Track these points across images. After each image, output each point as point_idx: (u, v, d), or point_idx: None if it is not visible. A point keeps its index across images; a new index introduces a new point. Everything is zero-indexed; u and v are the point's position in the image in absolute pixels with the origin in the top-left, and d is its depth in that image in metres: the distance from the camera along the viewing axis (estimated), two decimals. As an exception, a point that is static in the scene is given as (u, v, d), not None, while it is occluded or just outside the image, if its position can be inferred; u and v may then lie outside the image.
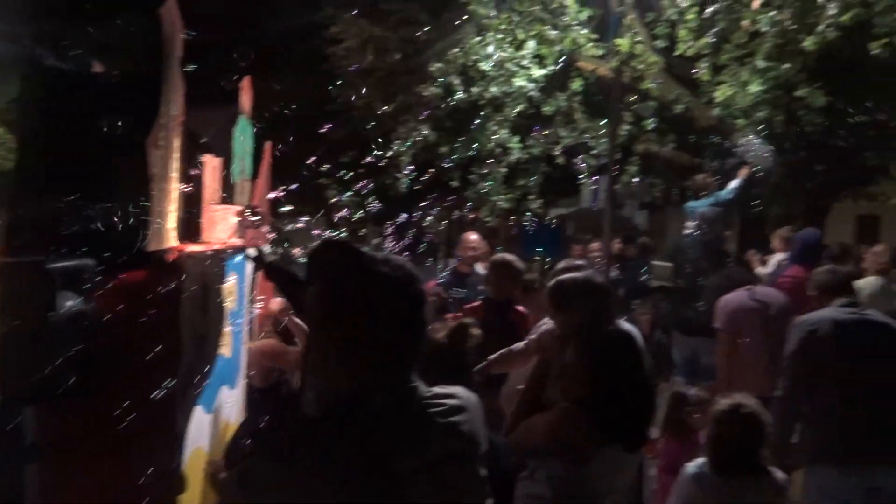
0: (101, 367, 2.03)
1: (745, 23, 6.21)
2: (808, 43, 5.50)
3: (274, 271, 1.98)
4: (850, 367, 3.45)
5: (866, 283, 5.93)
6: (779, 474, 2.96)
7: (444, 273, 6.60)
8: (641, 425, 2.48)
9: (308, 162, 5.48)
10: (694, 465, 2.95)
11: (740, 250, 10.89)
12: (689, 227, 6.84)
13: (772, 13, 6.01)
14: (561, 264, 4.63)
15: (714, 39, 5.51)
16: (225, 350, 2.81)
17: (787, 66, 6.80)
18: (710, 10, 5.26)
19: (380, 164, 8.67)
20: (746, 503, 2.79)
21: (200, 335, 2.43)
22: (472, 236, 6.41)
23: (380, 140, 8.86)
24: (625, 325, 3.00)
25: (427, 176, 9.36)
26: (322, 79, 9.59)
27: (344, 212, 8.52)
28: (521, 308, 4.75)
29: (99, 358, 2.01)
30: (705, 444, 2.99)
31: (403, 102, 8.47)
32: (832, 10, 4.91)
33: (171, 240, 2.36)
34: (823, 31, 5.06)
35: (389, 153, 8.68)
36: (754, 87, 6.94)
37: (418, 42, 7.84)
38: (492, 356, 3.81)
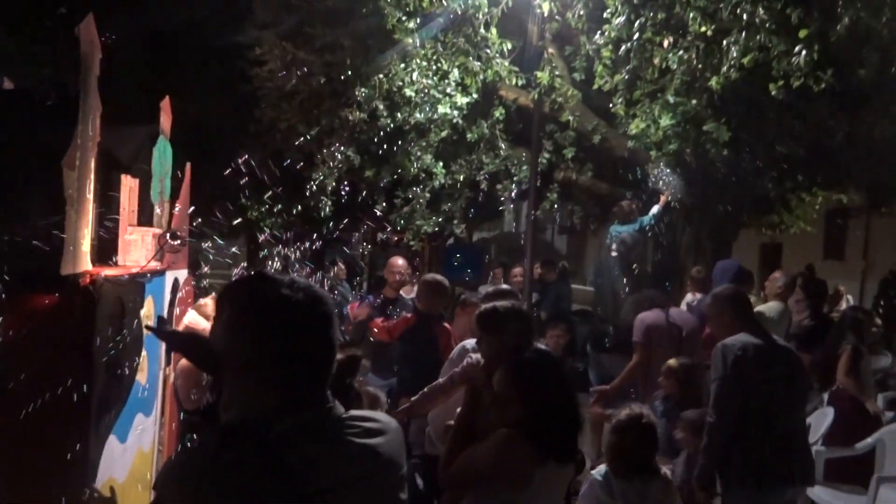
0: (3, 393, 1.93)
1: (657, 60, 6.53)
2: (713, 82, 5.79)
3: (175, 338, 1.93)
4: (767, 390, 3.59)
5: (769, 308, 6.28)
6: (669, 474, 3.29)
7: (369, 297, 6.60)
8: (572, 439, 2.59)
9: (225, 179, 5.38)
10: (597, 471, 3.23)
11: (655, 276, 11.39)
12: (613, 249, 7.05)
13: (680, 52, 6.35)
14: (489, 289, 4.82)
15: (628, 76, 5.76)
16: (140, 377, 2.73)
17: (694, 101, 7.22)
18: (624, 48, 5.52)
19: (305, 187, 8.63)
20: (646, 502, 3.05)
21: (115, 361, 2.36)
22: (399, 261, 6.47)
23: (303, 163, 8.81)
24: (541, 347, 3.16)
25: (351, 199, 9.43)
26: (245, 100, 9.46)
27: (266, 234, 8.41)
28: (446, 324, 5.07)
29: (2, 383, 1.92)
30: (606, 451, 3.24)
31: (327, 126, 8.42)
32: (734, 52, 5.24)
33: (86, 263, 2.30)
34: (727, 71, 5.39)
35: (313, 176, 8.67)
36: (665, 121, 7.32)
37: (343, 67, 7.83)
38: (414, 398, 3.87)
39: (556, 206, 8.84)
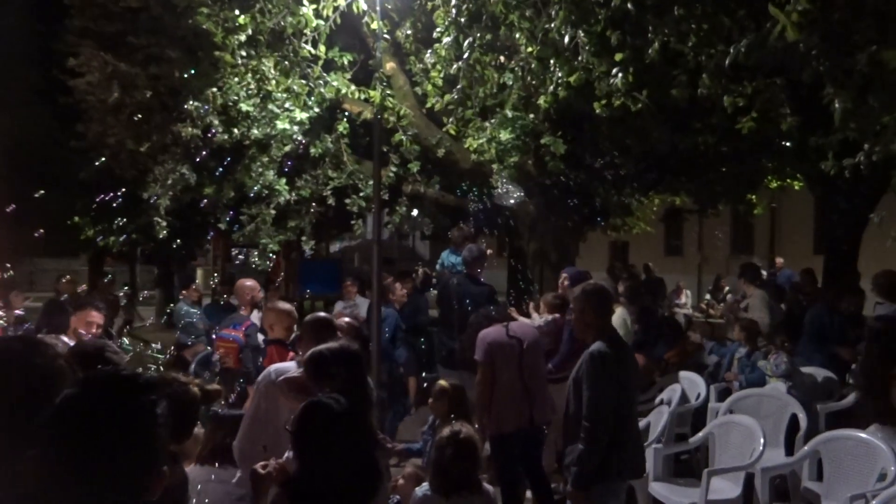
0: None
1: (488, 80, 6.64)
2: (542, 100, 5.99)
3: None
4: (626, 393, 3.82)
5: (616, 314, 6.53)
6: (490, 489, 3.38)
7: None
8: (361, 499, 2.28)
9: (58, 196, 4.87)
10: (420, 489, 3.25)
11: (509, 285, 11.64)
12: (451, 274, 7.01)
13: (516, 68, 6.47)
14: (342, 321, 4.57)
15: (458, 96, 5.79)
16: None
17: (532, 116, 7.39)
18: (455, 66, 5.51)
19: (140, 205, 8.06)
20: None
21: None
22: (248, 282, 6.31)
23: (136, 181, 8.23)
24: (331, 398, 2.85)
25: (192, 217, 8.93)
26: (66, 113, 8.71)
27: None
28: (290, 352, 4.81)
29: None
30: (429, 468, 3.30)
31: (159, 142, 7.88)
32: (559, 74, 5.39)
33: None
34: (554, 90, 5.54)
35: (146, 195, 8.13)
36: (505, 135, 7.44)
37: (171, 79, 7.35)
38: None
39: (404, 218, 8.74)
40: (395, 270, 10.75)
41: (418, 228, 11.27)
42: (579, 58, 5.23)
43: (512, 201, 8.02)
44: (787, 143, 7.92)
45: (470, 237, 7.45)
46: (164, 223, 8.13)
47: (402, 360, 7.80)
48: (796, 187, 13.66)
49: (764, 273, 13.49)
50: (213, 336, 6.54)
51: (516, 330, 5.58)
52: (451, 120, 6.77)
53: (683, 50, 4.86)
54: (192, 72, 7.51)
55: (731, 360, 6.81)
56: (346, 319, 4.65)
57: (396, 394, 7.59)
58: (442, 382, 4.87)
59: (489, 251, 7.64)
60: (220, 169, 8.66)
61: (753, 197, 13.57)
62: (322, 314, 4.65)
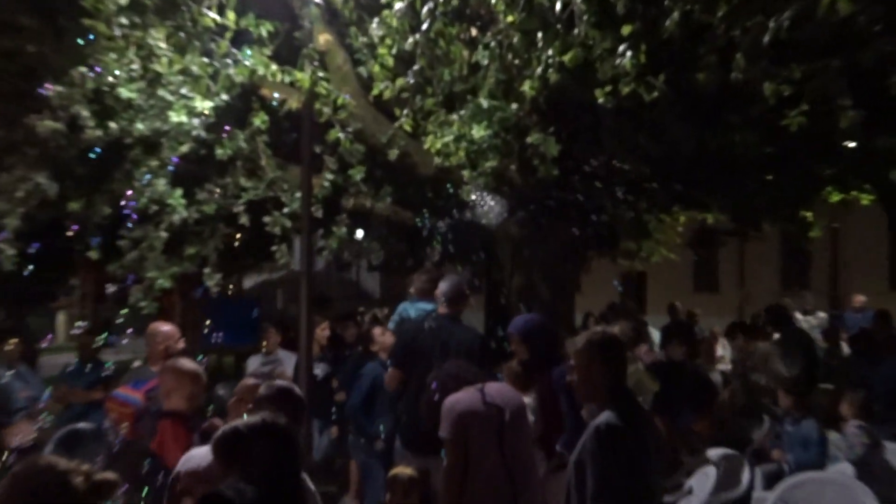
0: None
1: (465, 53, 6.67)
2: (527, 86, 6.06)
3: None
4: (644, 479, 3.90)
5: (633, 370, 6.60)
6: None
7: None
8: None
9: None
10: None
11: (487, 323, 11.67)
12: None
13: (492, 44, 6.55)
14: (263, 390, 4.48)
15: (414, 80, 5.84)
16: None
17: (514, 106, 7.47)
18: (410, 40, 5.55)
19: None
20: None
21: None
22: (163, 328, 6.57)
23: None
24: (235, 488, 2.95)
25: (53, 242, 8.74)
26: None
27: None
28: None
29: None
30: None
31: (6, 140, 7.85)
32: (550, 51, 5.46)
33: None
34: (542, 73, 5.61)
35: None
36: (478, 132, 7.51)
37: (25, 56, 7.30)
38: None
39: (344, 242, 8.85)
40: (334, 312, 10.71)
41: (364, 256, 11.30)
42: (575, 30, 5.33)
43: (487, 220, 8.03)
44: (850, 144, 8.09)
45: (438, 281, 7.45)
46: (13, 251, 7.99)
47: (385, 434, 7.61)
48: (864, 201, 13.88)
49: (821, 315, 13.75)
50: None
51: (495, 395, 5.53)
52: (406, 111, 6.87)
53: (711, 22, 4.98)
54: (54, 46, 7.43)
55: (776, 432, 6.89)
56: (280, 382, 4.59)
57: (373, 478, 7.55)
58: (405, 471, 4.81)
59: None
60: (91, 177, 8.52)
61: (808, 214, 13.76)
62: (282, 383, 4.60)
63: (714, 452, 6.74)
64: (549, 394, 5.88)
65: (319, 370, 8.98)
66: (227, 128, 8.16)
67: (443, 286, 6.63)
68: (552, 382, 5.87)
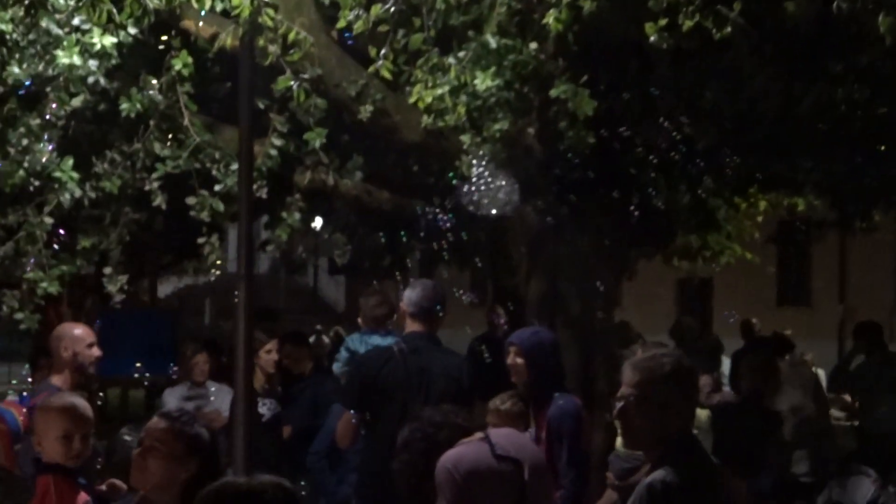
0: None
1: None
2: (550, 19, 6.16)
3: None
4: None
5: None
6: None
7: None
8: None
9: None
10: None
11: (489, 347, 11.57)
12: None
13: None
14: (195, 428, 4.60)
15: (395, 10, 5.75)
16: None
17: (532, 47, 7.42)
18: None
19: None
20: None
21: None
22: (76, 330, 6.95)
23: None
24: None
25: None
26: None
27: None
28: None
29: None
30: None
31: None
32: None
33: None
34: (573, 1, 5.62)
35: None
36: (484, 81, 7.36)
37: None
38: None
39: (298, 233, 9.03)
40: (282, 329, 10.81)
41: (324, 254, 11.31)
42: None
43: (495, 207, 7.95)
44: None
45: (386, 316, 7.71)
46: None
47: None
48: None
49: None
50: None
51: (507, 445, 5.42)
52: (384, 52, 6.95)
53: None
54: None
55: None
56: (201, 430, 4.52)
57: None
58: None
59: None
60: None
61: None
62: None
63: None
64: (549, 435, 6.13)
65: (265, 408, 8.98)
66: (136, 74, 8.14)
67: (410, 294, 6.66)
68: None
